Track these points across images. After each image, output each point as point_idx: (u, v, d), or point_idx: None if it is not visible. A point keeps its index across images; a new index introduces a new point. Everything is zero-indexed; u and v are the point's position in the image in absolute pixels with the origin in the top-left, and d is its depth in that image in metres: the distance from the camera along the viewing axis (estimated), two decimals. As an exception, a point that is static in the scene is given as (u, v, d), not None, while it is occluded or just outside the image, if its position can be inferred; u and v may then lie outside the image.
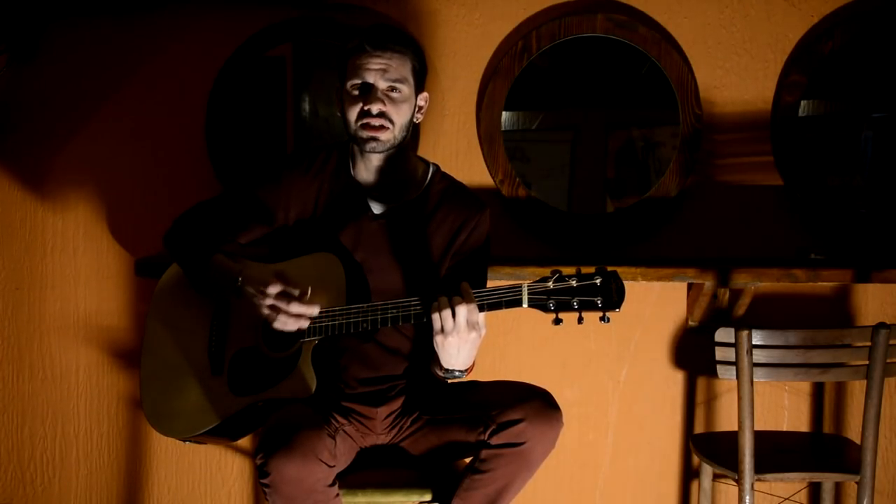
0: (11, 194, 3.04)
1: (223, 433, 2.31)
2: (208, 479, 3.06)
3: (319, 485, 2.02)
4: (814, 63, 2.87)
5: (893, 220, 2.89)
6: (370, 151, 2.24)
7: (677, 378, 2.98)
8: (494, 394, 2.20)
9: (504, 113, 2.93)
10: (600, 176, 3.02)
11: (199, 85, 2.95)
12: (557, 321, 2.03)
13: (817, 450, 2.80)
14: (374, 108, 2.19)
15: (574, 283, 2.02)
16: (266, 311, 2.14)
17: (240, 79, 2.94)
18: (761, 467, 2.48)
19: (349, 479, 2.23)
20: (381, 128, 2.20)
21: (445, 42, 2.94)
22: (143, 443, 3.06)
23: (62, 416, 3.07)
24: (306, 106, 2.98)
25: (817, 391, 2.97)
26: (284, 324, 2.13)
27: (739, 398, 2.46)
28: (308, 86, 2.98)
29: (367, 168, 2.30)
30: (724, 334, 2.53)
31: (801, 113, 2.89)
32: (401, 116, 2.22)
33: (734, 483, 2.53)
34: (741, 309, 2.81)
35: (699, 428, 2.98)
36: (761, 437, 2.61)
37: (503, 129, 2.93)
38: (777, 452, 2.64)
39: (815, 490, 2.93)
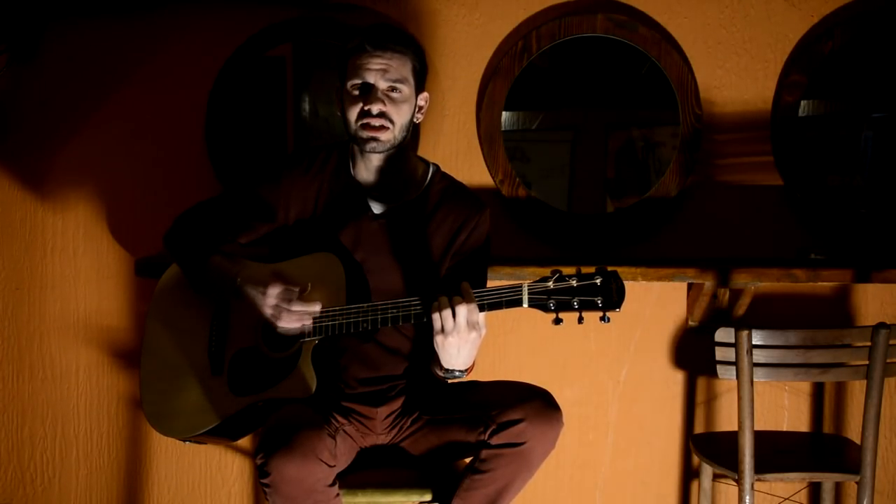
0: (11, 194, 3.04)
1: (223, 433, 2.31)
2: (208, 479, 3.06)
3: (320, 485, 2.02)
4: (814, 63, 2.87)
5: (893, 220, 2.89)
6: (370, 151, 2.24)
7: (677, 378, 2.98)
8: (494, 394, 2.20)
9: (504, 113, 2.93)
10: (600, 176, 3.02)
11: (199, 85, 2.95)
12: (558, 321, 2.03)
13: (817, 450, 2.80)
14: (375, 109, 2.19)
15: (574, 282, 2.02)
16: (269, 312, 2.14)
17: (240, 79, 2.94)
18: (761, 467, 2.48)
19: (349, 479, 2.23)
20: (382, 128, 2.20)
21: (445, 42, 2.94)
22: (143, 443, 3.06)
23: (62, 416, 3.07)
24: (306, 106, 2.98)
25: (817, 391, 2.97)
26: (288, 322, 2.13)
27: (739, 398, 2.46)
28: (308, 86, 2.98)
29: (368, 168, 2.30)
30: (724, 334, 2.53)
31: (801, 113, 2.89)
32: (401, 116, 2.22)
33: (734, 483, 2.53)
34: (741, 309, 2.82)
35: (699, 428, 2.98)
36: (761, 437, 2.61)
37: (503, 129, 2.93)
38: (777, 452, 2.64)
39: (815, 490, 2.93)
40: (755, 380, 2.47)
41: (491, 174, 2.94)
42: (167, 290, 2.43)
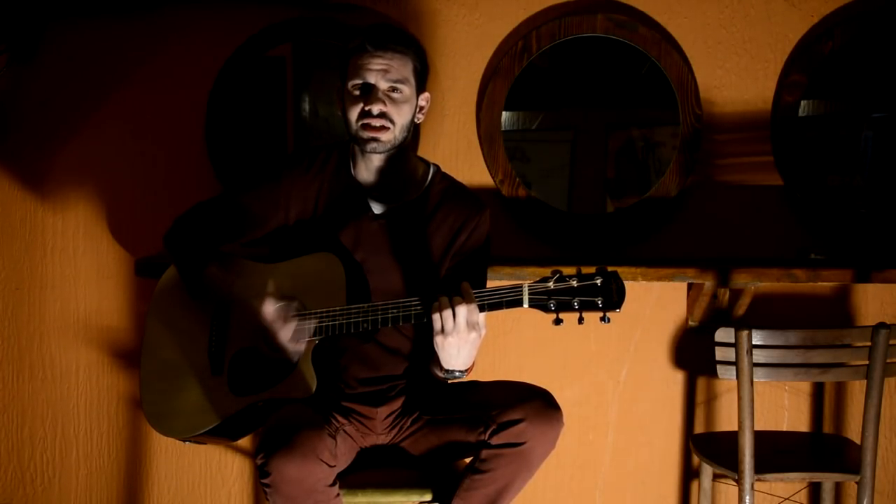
0: (11, 194, 3.04)
1: (223, 433, 2.31)
2: (208, 479, 3.06)
3: (320, 485, 2.02)
4: (814, 63, 2.87)
5: (893, 220, 2.89)
6: (371, 152, 2.24)
7: (677, 378, 2.98)
8: (495, 394, 2.20)
9: (504, 113, 2.93)
10: (600, 176, 3.02)
11: (199, 85, 2.95)
12: (558, 321, 2.03)
13: (817, 450, 2.80)
14: (375, 109, 2.18)
15: (575, 283, 2.02)
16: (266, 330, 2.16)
17: (240, 79, 2.94)
18: (761, 467, 2.48)
19: (349, 479, 2.23)
20: (382, 128, 2.20)
21: (445, 42, 2.94)
22: (143, 443, 3.06)
23: (62, 416, 3.07)
24: (306, 106, 2.98)
25: (817, 391, 2.97)
26: (286, 340, 2.13)
27: (739, 398, 2.46)
28: (308, 86, 2.98)
29: (368, 168, 2.30)
30: (724, 334, 2.53)
31: (801, 113, 2.89)
32: (401, 117, 2.22)
33: (734, 483, 2.53)
34: (741, 309, 2.82)
35: (699, 428, 2.98)
36: (761, 437, 2.61)
37: (503, 129, 2.93)
38: (777, 452, 2.64)
39: (815, 490, 2.93)
40: (755, 380, 2.47)
41: (491, 174, 2.94)
42: (167, 290, 2.43)
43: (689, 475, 2.99)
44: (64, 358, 3.06)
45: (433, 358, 2.17)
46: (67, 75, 3.00)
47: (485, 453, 2.11)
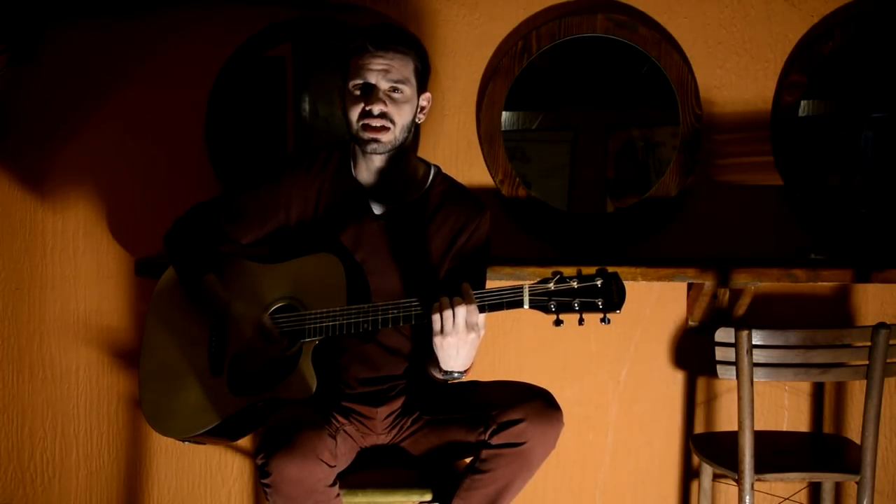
0: (11, 194, 3.04)
1: (223, 433, 2.31)
2: (208, 479, 3.06)
3: (320, 485, 2.02)
4: (814, 63, 2.87)
5: (893, 220, 2.89)
6: (371, 153, 2.24)
7: (677, 378, 2.98)
8: (495, 394, 2.20)
9: (504, 113, 2.93)
10: (600, 176, 3.02)
11: (199, 85, 2.95)
12: (558, 322, 2.03)
13: (817, 450, 2.80)
14: (376, 109, 2.18)
15: (575, 284, 2.02)
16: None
17: (240, 79, 2.94)
18: (761, 467, 2.48)
19: (349, 479, 2.23)
20: (382, 128, 2.20)
21: (445, 42, 2.94)
22: (143, 443, 3.06)
23: (62, 416, 3.07)
24: (306, 106, 2.98)
25: (817, 391, 2.97)
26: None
27: (739, 398, 2.46)
28: (308, 86, 2.98)
29: (368, 168, 2.29)
30: (724, 334, 2.53)
31: (801, 113, 2.89)
32: (402, 117, 2.22)
33: (734, 483, 2.53)
34: (741, 309, 2.82)
35: (699, 428, 2.98)
36: (761, 437, 2.61)
37: (503, 129, 2.93)
38: (777, 452, 2.64)
39: (815, 490, 2.93)
40: (755, 380, 2.47)
41: (491, 174, 2.94)
42: (167, 290, 2.43)
43: (689, 475, 2.99)
44: (64, 358, 3.06)
45: (431, 359, 2.17)
46: (67, 75, 3.00)
47: (485, 453, 2.11)
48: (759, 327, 2.51)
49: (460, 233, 2.30)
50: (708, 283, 2.71)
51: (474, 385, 2.32)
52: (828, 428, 2.97)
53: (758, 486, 2.55)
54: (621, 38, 2.88)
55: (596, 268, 2.04)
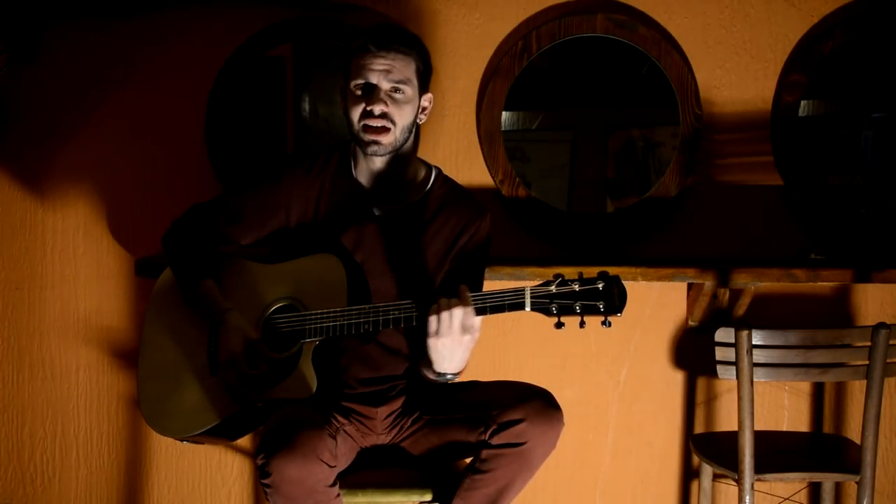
0: (11, 194, 3.04)
1: (222, 433, 2.31)
2: (208, 479, 3.06)
3: (320, 485, 2.02)
4: (814, 63, 2.87)
5: (893, 220, 2.89)
6: (372, 154, 2.24)
7: (677, 378, 2.98)
8: (495, 394, 2.20)
9: (504, 113, 2.93)
10: (600, 176, 3.02)
11: (199, 85, 2.95)
12: (560, 325, 2.03)
13: (817, 450, 2.80)
14: (377, 109, 2.18)
15: (577, 287, 2.02)
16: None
17: (240, 79, 2.94)
18: (761, 467, 2.48)
19: (350, 479, 2.23)
20: (383, 129, 2.19)
21: (445, 42, 2.94)
22: (143, 443, 3.06)
23: (62, 416, 3.07)
24: (306, 106, 2.98)
25: (817, 391, 2.97)
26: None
27: (739, 398, 2.46)
28: (308, 86, 2.98)
29: (369, 169, 2.29)
30: (724, 334, 2.53)
31: (801, 113, 2.89)
32: (403, 118, 2.21)
33: (734, 483, 2.53)
34: (741, 309, 2.82)
35: (699, 428, 2.98)
36: (761, 437, 2.61)
37: (503, 129, 2.93)
38: (777, 452, 2.64)
39: (815, 490, 2.93)
40: (755, 380, 2.47)
41: (491, 174, 2.94)
42: (166, 290, 2.43)
43: (689, 475, 3.00)
44: (64, 358, 3.06)
45: (423, 360, 2.16)
46: (67, 75, 3.00)
47: (485, 453, 2.11)
48: (759, 327, 2.51)
49: (460, 235, 2.30)
50: (708, 283, 2.71)
51: (474, 385, 2.32)
52: (828, 428, 2.97)
53: (758, 486, 2.55)
54: (621, 38, 2.88)
55: (597, 270, 2.04)
